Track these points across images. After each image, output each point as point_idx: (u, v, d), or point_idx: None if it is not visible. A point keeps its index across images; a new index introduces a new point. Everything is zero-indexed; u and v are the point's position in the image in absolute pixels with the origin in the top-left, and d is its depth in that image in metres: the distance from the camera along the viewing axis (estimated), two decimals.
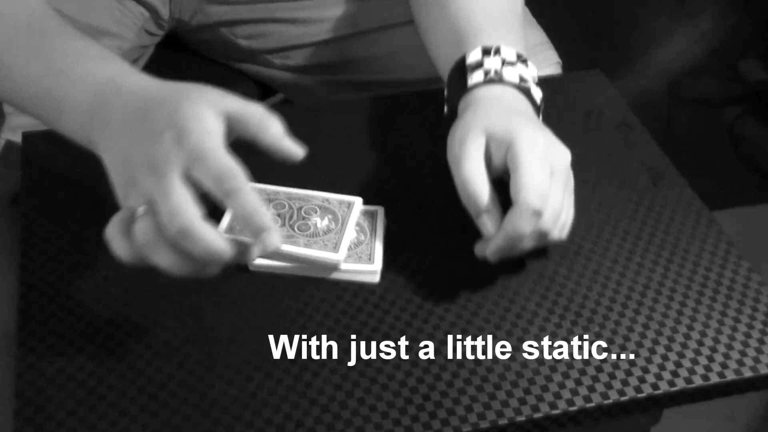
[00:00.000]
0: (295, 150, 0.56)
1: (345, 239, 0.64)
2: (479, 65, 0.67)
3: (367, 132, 0.76)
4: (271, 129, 0.57)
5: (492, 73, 0.67)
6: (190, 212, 0.53)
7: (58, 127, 0.63)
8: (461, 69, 0.69)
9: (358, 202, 0.67)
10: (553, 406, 0.56)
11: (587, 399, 0.57)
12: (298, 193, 0.68)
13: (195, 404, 0.55)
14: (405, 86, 0.90)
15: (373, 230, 0.66)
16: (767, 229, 1.56)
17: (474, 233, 0.67)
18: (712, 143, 1.68)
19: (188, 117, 0.55)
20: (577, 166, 0.73)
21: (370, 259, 0.64)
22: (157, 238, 0.53)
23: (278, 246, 0.54)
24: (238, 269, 0.64)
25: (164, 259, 0.53)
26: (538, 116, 0.69)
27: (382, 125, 0.77)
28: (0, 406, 0.63)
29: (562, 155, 0.63)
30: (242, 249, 0.55)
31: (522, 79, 0.68)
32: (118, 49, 0.88)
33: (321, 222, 0.65)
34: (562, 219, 0.62)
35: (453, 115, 0.68)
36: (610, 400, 0.57)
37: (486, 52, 0.68)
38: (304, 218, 0.65)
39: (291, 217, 0.65)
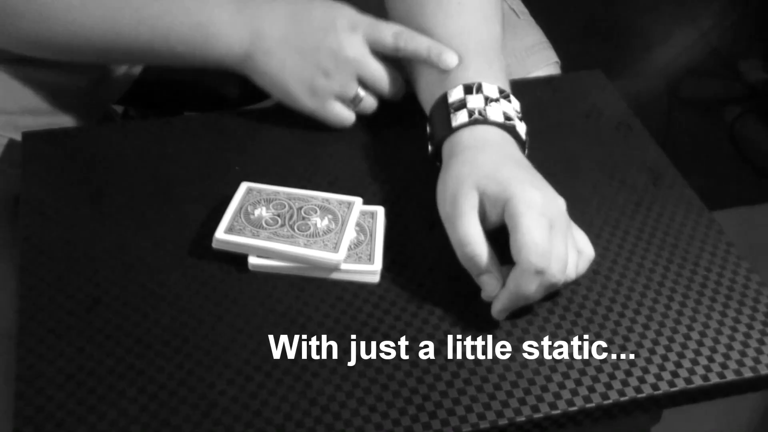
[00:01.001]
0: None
1: (345, 239, 0.64)
2: (462, 104, 0.67)
3: (367, 132, 0.76)
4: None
5: (476, 113, 0.66)
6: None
7: (209, 55, 0.74)
8: (443, 107, 0.68)
9: (358, 202, 0.67)
10: (553, 406, 0.56)
11: (587, 399, 0.57)
12: (298, 193, 0.68)
13: (195, 404, 0.55)
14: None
15: (373, 230, 0.66)
16: (767, 229, 1.56)
17: None
18: (712, 143, 1.67)
19: (343, 12, 0.73)
20: (577, 166, 0.73)
21: (370, 259, 0.64)
22: (374, 105, 0.76)
23: (453, 63, 0.71)
24: (238, 269, 0.64)
25: (392, 91, 0.76)
26: (524, 151, 0.68)
27: (382, 125, 0.77)
28: (0, 406, 0.63)
29: (559, 206, 0.61)
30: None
31: (507, 117, 0.67)
32: None
33: (321, 222, 0.65)
34: (569, 266, 0.60)
35: (436, 156, 0.68)
36: (610, 400, 0.57)
37: (468, 89, 0.68)
38: (304, 218, 0.65)
39: (291, 217, 0.65)
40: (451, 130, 0.66)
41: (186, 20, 0.72)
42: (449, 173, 0.64)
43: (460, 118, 0.66)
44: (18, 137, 0.76)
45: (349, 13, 0.73)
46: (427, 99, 0.72)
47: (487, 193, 0.61)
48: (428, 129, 0.71)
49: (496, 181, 0.61)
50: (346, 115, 0.75)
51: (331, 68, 0.72)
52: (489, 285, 0.60)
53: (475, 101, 0.67)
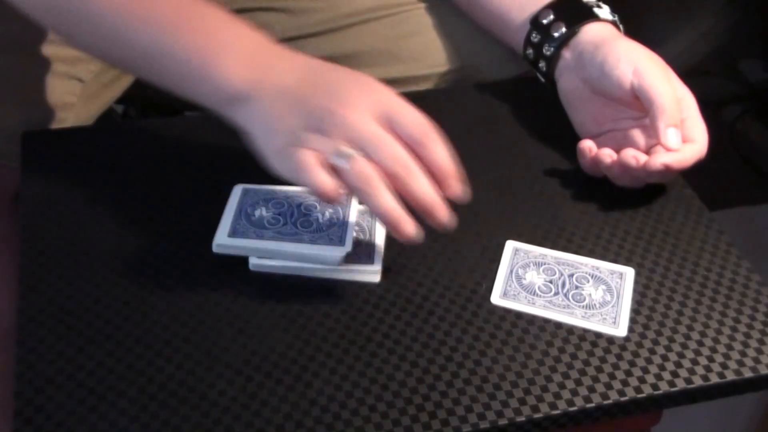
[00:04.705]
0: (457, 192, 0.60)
1: (349, 230, 0.64)
2: (598, 5, 0.76)
3: None
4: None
5: (617, 18, 0.76)
6: (409, 157, 0.58)
7: (200, 85, 0.64)
8: (577, 2, 0.76)
9: None
10: (553, 406, 0.56)
11: (587, 399, 0.57)
12: (295, 190, 0.68)
13: (195, 404, 0.55)
14: (403, 84, 0.90)
15: (373, 230, 0.66)
16: (767, 229, 1.56)
17: (474, 232, 0.67)
18: (712, 143, 1.67)
19: (370, 80, 0.62)
20: (577, 165, 0.73)
21: (370, 259, 0.64)
22: (375, 178, 0.57)
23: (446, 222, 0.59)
24: (238, 269, 0.64)
25: (382, 200, 0.57)
26: None
27: None
28: (0, 406, 0.63)
29: None
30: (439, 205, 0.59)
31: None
32: None
33: (322, 217, 0.65)
34: None
35: (563, 37, 0.75)
36: (610, 400, 0.57)
37: None
38: (305, 214, 0.65)
39: (292, 215, 0.65)
40: (598, 19, 0.74)
41: (192, 39, 0.63)
42: (625, 50, 0.71)
43: (605, 13, 0.75)
44: (18, 131, 0.76)
45: (375, 88, 0.61)
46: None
47: (672, 78, 0.71)
48: (550, 17, 0.76)
49: (675, 77, 0.72)
50: (323, 177, 0.58)
51: (327, 126, 0.59)
52: (678, 137, 0.68)
53: (606, 10, 0.76)
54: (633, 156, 0.68)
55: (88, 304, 0.61)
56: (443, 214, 0.59)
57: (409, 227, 0.58)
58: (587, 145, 0.71)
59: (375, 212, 0.58)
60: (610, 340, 0.60)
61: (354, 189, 0.58)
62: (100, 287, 0.62)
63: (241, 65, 0.62)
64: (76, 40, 0.70)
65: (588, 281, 0.64)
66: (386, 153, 0.58)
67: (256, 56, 0.63)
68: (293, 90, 0.61)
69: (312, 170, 0.58)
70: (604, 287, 0.64)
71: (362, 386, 0.57)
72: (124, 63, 0.72)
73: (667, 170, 0.67)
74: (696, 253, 0.67)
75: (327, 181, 0.58)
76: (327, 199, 0.58)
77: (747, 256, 0.67)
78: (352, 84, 0.61)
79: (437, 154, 0.59)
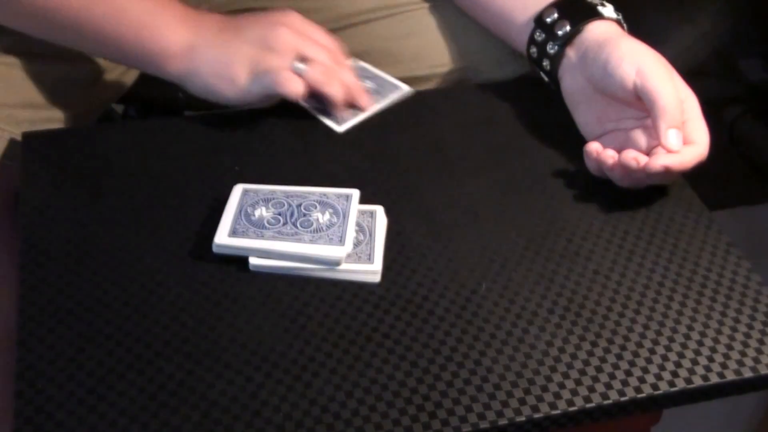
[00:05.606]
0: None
1: (349, 231, 0.64)
2: (602, 4, 0.76)
3: (366, 132, 0.76)
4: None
5: (620, 17, 0.76)
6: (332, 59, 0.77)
7: (148, 45, 0.75)
8: (577, 1, 0.76)
9: (355, 193, 0.67)
10: (553, 406, 0.56)
11: (587, 399, 0.57)
12: (295, 190, 0.68)
13: (195, 404, 0.55)
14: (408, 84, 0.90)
15: (373, 230, 0.66)
16: (767, 229, 1.56)
17: (473, 232, 0.67)
18: (712, 143, 1.67)
19: (281, 11, 0.77)
20: (577, 165, 0.73)
21: (370, 259, 0.64)
22: (330, 72, 0.76)
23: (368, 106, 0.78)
24: (238, 269, 0.64)
25: (339, 85, 0.76)
26: None
27: (383, 125, 0.77)
28: (0, 406, 0.63)
29: None
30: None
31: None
32: None
33: (323, 217, 0.65)
34: None
35: (569, 33, 0.75)
36: (610, 400, 0.57)
37: None
38: (305, 214, 0.65)
39: (292, 215, 0.65)
40: (602, 17, 0.75)
41: (131, 13, 0.74)
42: (629, 50, 0.71)
43: (608, 12, 0.76)
44: (18, 131, 0.76)
45: (290, 14, 0.78)
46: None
47: (675, 78, 0.71)
48: (554, 16, 0.76)
49: (679, 78, 0.72)
50: (294, 82, 0.74)
51: (275, 46, 0.74)
52: (678, 138, 0.68)
53: (610, 9, 0.76)
54: (633, 157, 0.68)
55: (88, 304, 0.61)
56: (365, 95, 0.79)
57: (366, 95, 0.78)
58: (594, 147, 0.71)
59: (338, 95, 0.76)
60: (610, 339, 0.60)
61: (317, 83, 0.75)
62: (100, 287, 0.62)
63: (176, 23, 0.74)
64: (23, 28, 0.76)
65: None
66: (322, 57, 0.76)
67: (183, 15, 0.75)
68: (230, 29, 0.75)
69: (290, 79, 0.73)
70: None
71: (362, 386, 0.57)
72: (73, 45, 0.79)
73: (667, 172, 0.67)
74: (696, 253, 0.67)
75: (301, 86, 0.73)
76: (299, 97, 0.74)
77: (747, 256, 0.67)
78: (273, 16, 0.77)
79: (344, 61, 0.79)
